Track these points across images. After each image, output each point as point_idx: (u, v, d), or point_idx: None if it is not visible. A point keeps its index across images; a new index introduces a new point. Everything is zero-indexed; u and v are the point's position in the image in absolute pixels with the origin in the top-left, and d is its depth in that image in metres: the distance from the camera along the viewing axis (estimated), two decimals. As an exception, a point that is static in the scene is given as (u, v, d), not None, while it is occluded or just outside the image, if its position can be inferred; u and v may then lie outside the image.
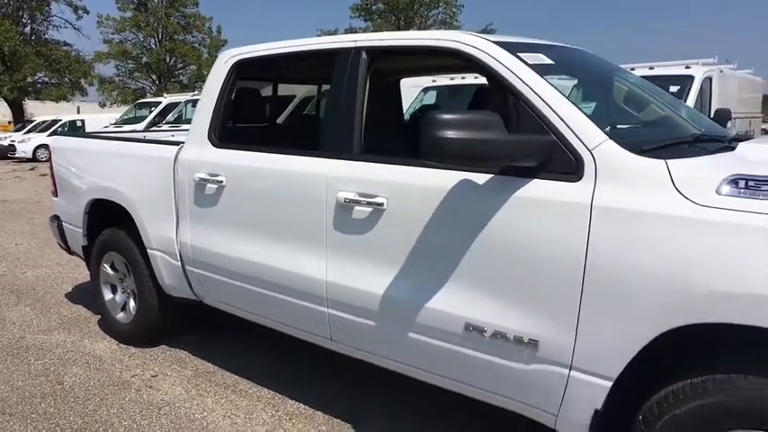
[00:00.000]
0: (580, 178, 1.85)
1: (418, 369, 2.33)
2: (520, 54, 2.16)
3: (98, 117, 21.69)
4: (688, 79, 7.56)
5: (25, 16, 26.62)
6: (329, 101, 2.60)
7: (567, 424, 1.93)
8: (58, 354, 3.64)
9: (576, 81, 2.89)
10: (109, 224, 3.79)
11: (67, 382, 3.24)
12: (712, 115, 7.25)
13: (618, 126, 2.45)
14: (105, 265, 3.88)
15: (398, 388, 2.86)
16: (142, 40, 29.89)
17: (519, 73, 2.05)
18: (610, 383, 1.79)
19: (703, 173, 1.71)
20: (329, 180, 2.44)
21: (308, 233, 2.54)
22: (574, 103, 1.96)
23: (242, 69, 3.10)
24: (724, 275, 1.57)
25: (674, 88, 7.53)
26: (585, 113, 1.93)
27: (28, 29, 26.86)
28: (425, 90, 9.61)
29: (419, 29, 39.28)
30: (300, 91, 4.27)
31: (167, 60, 30.68)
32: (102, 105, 30.67)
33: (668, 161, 1.76)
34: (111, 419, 2.84)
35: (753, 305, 1.53)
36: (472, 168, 2.03)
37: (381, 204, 2.27)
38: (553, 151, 1.90)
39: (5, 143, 21.35)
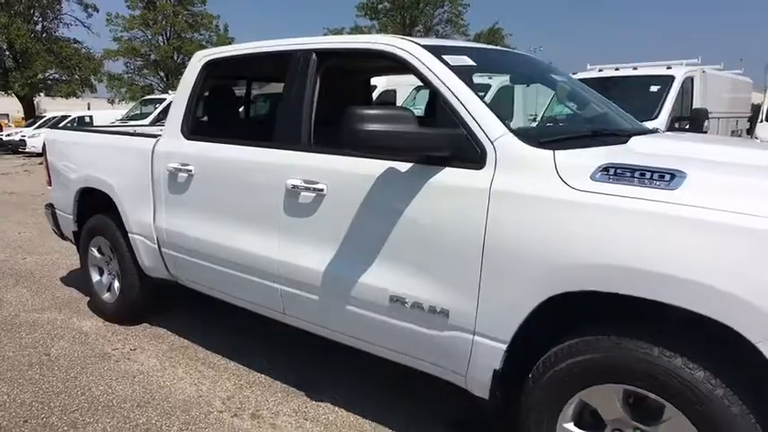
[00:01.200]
0: (483, 166, 2.11)
1: (354, 338, 2.60)
2: (444, 56, 2.41)
3: (106, 113, 22.15)
4: (668, 79, 7.76)
5: (36, 14, 27.16)
6: (284, 97, 2.87)
7: (473, 383, 2.19)
8: (47, 329, 3.95)
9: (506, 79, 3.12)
10: (96, 211, 4.08)
11: (54, 354, 3.54)
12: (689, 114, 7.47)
13: (531, 119, 2.69)
14: (93, 248, 4.18)
15: (348, 360, 3.12)
16: (150, 37, 30.38)
17: (439, 73, 2.31)
18: (505, 346, 2.05)
19: (583, 162, 1.96)
20: (280, 169, 2.71)
21: (263, 217, 2.82)
22: (483, 101, 2.21)
23: (212, 69, 3.39)
24: (594, 250, 1.82)
25: (654, 88, 7.75)
26: (492, 110, 2.18)
27: (39, 26, 27.42)
28: (418, 89, 9.87)
29: (425, 28, 39.45)
30: (269, 89, 4.57)
31: (175, 58, 31.13)
32: (111, 102, 31.21)
33: (556, 152, 2.01)
34: (89, 385, 3.13)
35: (617, 275, 1.78)
36: (397, 158, 2.29)
37: (322, 190, 2.54)
38: (463, 143, 2.16)
39: (16, 138, 21.88)
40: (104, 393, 3.04)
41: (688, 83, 8.06)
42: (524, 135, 2.12)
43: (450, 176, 2.17)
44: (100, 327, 4.02)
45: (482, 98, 2.24)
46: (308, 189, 2.59)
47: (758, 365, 1.56)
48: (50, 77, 27.77)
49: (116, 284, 4.05)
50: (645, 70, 8.26)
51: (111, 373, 3.28)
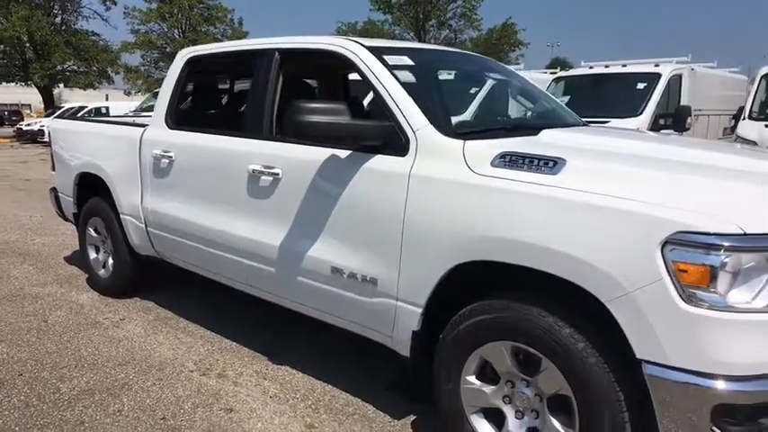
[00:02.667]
0: (406, 154, 2.41)
1: (305, 306, 2.93)
2: (385, 56, 2.72)
3: (122, 104, 22.72)
4: (655, 77, 7.94)
5: (56, 7, 27.87)
6: (251, 92, 3.20)
7: (398, 343, 2.50)
8: (47, 301, 4.34)
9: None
10: (93, 194, 4.46)
11: (51, 321, 3.93)
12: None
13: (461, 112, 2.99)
14: (90, 228, 4.56)
15: (309, 332, 3.44)
16: (166, 30, 30.96)
17: (376, 72, 2.62)
18: (420, 310, 2.36)
19: (487, 150, 2.26)
20: (244, 155, 3.04)
21: (230, 198, 3.16)
22: (411, 97, 2.52)
23: (193, 65, 3.73)
24: (488, 225, 2.12)
25: (641, 85, 7.94)
26: (418, 105, 2.48)
27: (59, 19, 28.14)
28: None
29: (438, 23, 39.47)
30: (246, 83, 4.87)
31: (190, 50, 31.57)
32: (128, 93, 31.88)
33: (466, 142, 2.32)
34: (79, 347, 3.51)
35: (506, 247, 2.08)
36: (338, 146, 2.61)
37: (278, 174, 2.87)
38: (391, 134, 2.47)
39: (36, 128, 22.56)
40: (91, 354, 3.42)
41: (675, 80, 8.23)
42: (444, 126, 2.43)
43: (379, 162, 2.48)
44: (95, 300, 4.40)
45: (413, 93, 2.54)
46: (266, 173, 2.92)
47: (608, 322, 1.85)
48: (69, 69, 28.50)
49: (110, 261, 4.43)
50: (633, 68, 8.45)
51: (99, 338, 3.65)
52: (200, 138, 3.42)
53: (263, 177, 2.94)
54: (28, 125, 23.41)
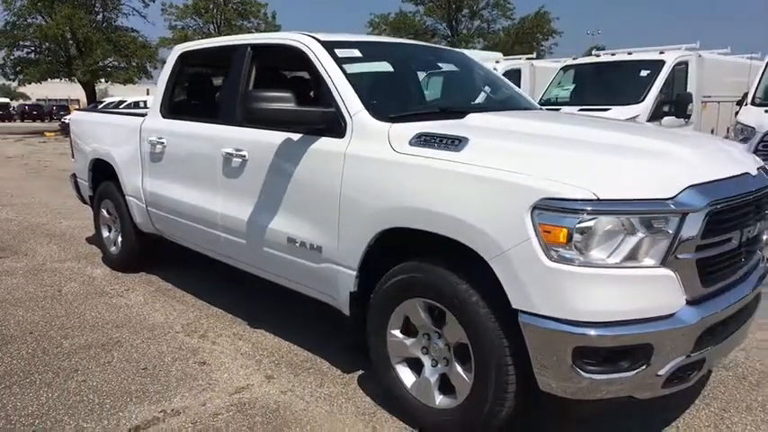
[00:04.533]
0: (344, 136, 2.74)
1: (269, 272, 3.30)
2: (336, 49, 3.04)
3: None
4: (659, 64, 7.98)
5: (97, 5, 29.12)
6: (226, 83, 3.57)
7: (340, 303, 2.84)
8: (65, 274, 4.85)
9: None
10: (105, 178, 4.93)
11: (64, 291, 4.43)
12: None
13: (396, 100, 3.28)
14: (103, 210, 5.04)
15: (286, 301, 3.80)
16: (202, 26, 31.89)
17: (324, 63, 2.94)
18: (355, 272, 2.68)
19: (408, 131, 2.55)
20: (219, 140, 3.42)
21: (209, 179, 3.54)
22: (352, 85, 2.83)
23: (185, 59, 4.13)
24: (404, 196, 2.43)
25: (644, 72, 8.00)
26: (357, 93, 2.80)
27: (100, 17, 29.38)
28: (564, 69, 9.53)
29: (471, 12, 39.29)
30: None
31: (225, 45, 32.42)
32: (166, 88, 32.92)
33: (392, 124, 2.62)
34: (84, 312, 3.98)
35: (416, 215, 2.38)
36: (290, 130, 2.95)
37: (245, 156, 3.23)
38: (333, 118, 2.79)
39: (78, 122, 23.67)
40: (94, 318, 3.88)
41: (681, 67, 8.24)
42: (378, 111, 2.74)
43: (323, 144, 2.82)
44: (107, 274, 4.89)
45: (354, 83, 2.86)
46: (236, 156, 3.29)
47: (493, 277, 2.14)
48: (110, 65, 29.76)
49: (119, 239, 4.90)
50: (638, 55, 8.49)
51: (103, 305, 4.11)
52: (187, 125, 3.82)
53: (234, 159, 3.31)
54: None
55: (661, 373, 2.08)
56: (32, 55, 28.04)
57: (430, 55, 3.75)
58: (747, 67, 9.70)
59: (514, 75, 10.23)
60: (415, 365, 2.58)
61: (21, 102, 58.02)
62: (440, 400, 2.46)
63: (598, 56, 9.14)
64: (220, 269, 3.93)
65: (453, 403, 2.40)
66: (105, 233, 5.10)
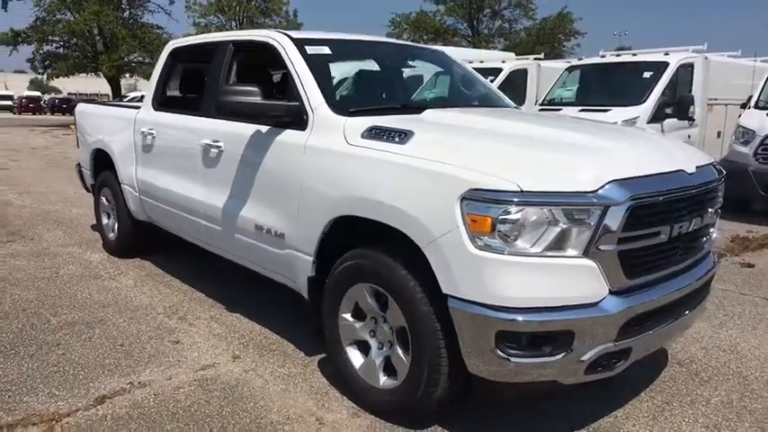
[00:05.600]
0: (305, 128, 2.88)
1: (241, 258, 3.46)
2: (306, 46, 3.18)
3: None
4: (662, 66, 7.94)
5: (124, 2, 29.83)
6: (210, 77, 3.73)
7: (300, 288, 2.98)
8: (65, 258, 5.09)
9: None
10: (105, 168, 5.15)
11: (61, 273, 4.66)
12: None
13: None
14: (102, 198, 5.27)
15: (263, 287, 3.95)
16: (225, 23, 32.39)
17: (293, 59, 3.09)
18: (312, 258, 2.82)
19: (362, 125, 2.68)
20: (199, 132, 3.59)
21: (191, 168, 3.72)
22: (316, 81, 2.97)
23: (176, 55, 4.32)
24: (353, 186, 2.56)
25: (647, 74, 7.98)
26: (320, 88, 2.93)
27: (126, 13, 30.10)
28: (570, 69, 9.51)
29: (492, 12, 39.11)
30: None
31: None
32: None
33: (348, 118, 2.75)
34: (76, 293, 4.19)
35: (363, 204, 2.51)
36: (259, 122, 3.10)
37: (221, 147, 3.39)
38: (297, 112, 2.94)
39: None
40: (84, 298, 4.09)
41: (686, 69, 8.19)
42: (338, 106, 2.88)
43: (287, 136, 2.96)
44: (104, 259, 5.11)
45: (319, 78, 3.00)
46: (213, 146, 3.45)
47: (427, 264, 2.26)
48: (134, 60, 30.44)
49: (116, 226, 5.12)
50: (643, 57, 8.46)
51: (95, 287, 4.33)
52: (173, 117, 4.01)
53: (212, 150, 3.47)
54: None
55: (584, 359, 2.17)
56: (61, 50, 28.86)
57: (403, 53, 3.87)
58: (759, 71, 9.56)
59: (521, 75, 10.26)
60: (364, 348, 2.71)
61: (52, 95, 59.51)
62: (383, 381, 2.58)
63: (603, 57, 9.12)
64: (209, 257, 4.09)
65: (394, 384, 2.52)
66: (105, 220, 5.33)
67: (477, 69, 10.21)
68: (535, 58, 10.87)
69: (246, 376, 2.99)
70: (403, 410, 2.50)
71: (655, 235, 2.25)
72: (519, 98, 10.25)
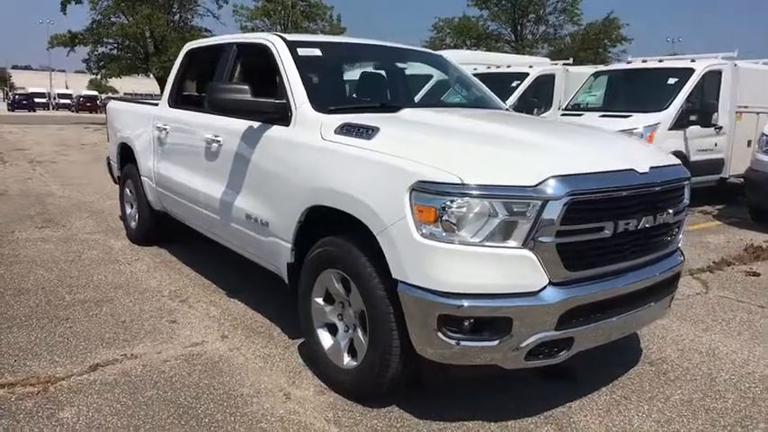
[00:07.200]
0: (289, 125, 3.09)
1: (236, 245, 3.70)
2: (298, 48, 3.40)
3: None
4: (688, 72, 7.83)
5: (175, 5, 31.01)
6: (216, 76, 3.99)
7: (281, 272, 3.19)
8: (89, 244, 5.47)
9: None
10: (129, 161, 5.51)
11: (84, 257, 5.02)
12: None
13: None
14: (126, 189, 5.64)
15: (261, 275, 4.17)
16: (270, 27, 33.17)
17: (284, 60, 3.31)
18: (290, 245, 3.02)
19: (336, 122, 2.86)
20: (203, 127, 3.86)
21: (195, 161, 3.99)
22: (303, 81, 3.17)
23: (191, 55, 4.62)
24: (324, 177, 2.75)
25: (672, 80, 7.89)
26: (305, 87, 3.14)
27: (177, 17, 31.28)
28: (596, 75, 9.45)
29: (537, 17, 38.65)
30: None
31: (291, 46, 33.64)
32: (234, 85, 34.55)
33: (326, 115, 2.94)
34: (93, 275, 4.53)
35: (331, 195, 2.69)
36: (251, 118, 3.32)
37: (220, 141, 3.64)
38: (284, 109, 3.15)
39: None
40: (99, 280, 4.42)
41: (713, 76, 8.04)
42: (320, 104, 3.07)
43: (274, 131, 3.18)
44: (125, 246, 5.46)
45: (306, 78, 3.20)
46: (214, 141, 3.71)
47: (381, 250, 2.42)
48: (182, 62, 31.50)
49: (137, 216, 5.47)
50: (669, 63, 8.34)
51: (111, 270, 4.66)
52: (184, 114, 4.30)
53: (213, 144, 3.73)
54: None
55: (522, 345, 2.29)
56: (114, 51, 30.25)
57: (396, 55, 4.04)
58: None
59: (548, 80, 10.24)
60: (333, 330, 2.88)
61: (108, 95, 62.30)
62: (347, 361, 2.75)
63: (629, 62, 9.03)
64: (217, 246, 4.36)
65: (355, 365, 2.69)
66: (128, 210, 5.69)
67: (503, 74, 10.38)
68: (564, 64, 10.81)
69: (230, 354, 3.21)
70: (360, 389, 2.66)
71: (597, 230, 2.35)
72: (545, 103, 10.25)
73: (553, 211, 2.21)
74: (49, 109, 56.01)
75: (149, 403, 2.66)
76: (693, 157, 7.83)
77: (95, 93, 60.98)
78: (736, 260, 5.42)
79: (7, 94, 65.94)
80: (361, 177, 2.52)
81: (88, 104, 49.94)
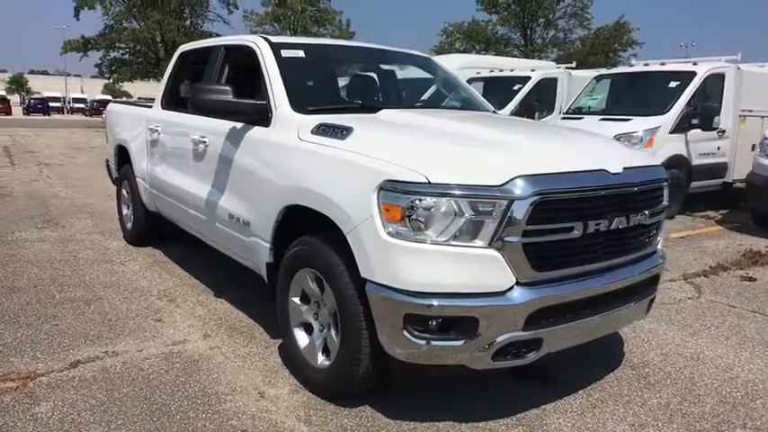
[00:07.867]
0: (269, 125, 3.11)
1: (220, 245, 3.72)
2: (282, 50, 3.43)
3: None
4: (689, 75, 7.77)
5: (186, 11, 31.32)
6: (205, 78, 4.03)
7: (260, 271, 3.20)
8: (86, 244, 5.54)
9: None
10: (125, 162, 5.57)
11: (79, 257, 5.08)
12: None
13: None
14: (122, 190, 5.70)
15: (250, 276, 4.19)
16: (280, 32, 33.34)
17: (267, 61, 3.34)
18: (269, 245, 3.04)
19: (313, 122, 2.88)
20: (191, 128, 3.90)
21: (184, 162, 4.03)
22: (284, 82, 3.20)
23: (184, 58, 4.67)
24: (299, 177, 2.76)
25: (673, 84, 7.83)
26: (285, 88, 3.16)
27: (188, 22, 31.57)
28: (598, 78, 9.38)
29: (546, 22, 38.55)
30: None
31: (301, 50, 33.83)
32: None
33: (304, 116, 2.97)
34: (86, 274, 4.58)
35: (305, 194, 2.71)
36: (233, 119, 3.35)
37: (206, 142, 3.68)
38: (264, 110, 3.17)
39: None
40: (92, 279, 4.47)
41: (716, 79, 7.97)
42: (299, 105, 3.10)
43: (254, 132, 3.21)
44: (120, 246, 5.52)
45: (287, 79, 3.23)
46: (201, 142, 3.75)
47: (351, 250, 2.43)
48: (193, 67, 31.77)
49: (132, 216, 5.53)
50: (670, 66, 8.28)
51: (104, 270, 4.71)
52: (175, 115, 4.34)
53: (200, 145, 3.77)
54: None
55: (489, 345, 2.28)
56: (126, 56, 30.60)
57: (381, 57, 4.05)
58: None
59: (550, 84, 10.21)
60: (309, 330, 2.89)
61: (123, 99, 62.98)
62: (321, 360, 2.76)
63: (632, 66, 8.98)
64: (208, 246, 4.40)
65: (328, 364, 2.70)
66: (124, 210, 5.75)
67: (506, 78, 10.37)
68: (567, 67, 10.78)
69: (210, 353, 3.23)
70: (333, 388, 2.67)
71: (565, 231, 2.34)
72: (547, 107, 10.22)
73: (519, 211, 2.20)
74: (63, 113, 56.89)
75: (124, 400, 2.69)
76: (695, 161, 7.76)
77: (109, 97, 61.65)
78: (733, 265, 5.36)
79: (24, 98, 66.97)
80: (332, 176, 2.53)
81: (101, 109, 50.46)
